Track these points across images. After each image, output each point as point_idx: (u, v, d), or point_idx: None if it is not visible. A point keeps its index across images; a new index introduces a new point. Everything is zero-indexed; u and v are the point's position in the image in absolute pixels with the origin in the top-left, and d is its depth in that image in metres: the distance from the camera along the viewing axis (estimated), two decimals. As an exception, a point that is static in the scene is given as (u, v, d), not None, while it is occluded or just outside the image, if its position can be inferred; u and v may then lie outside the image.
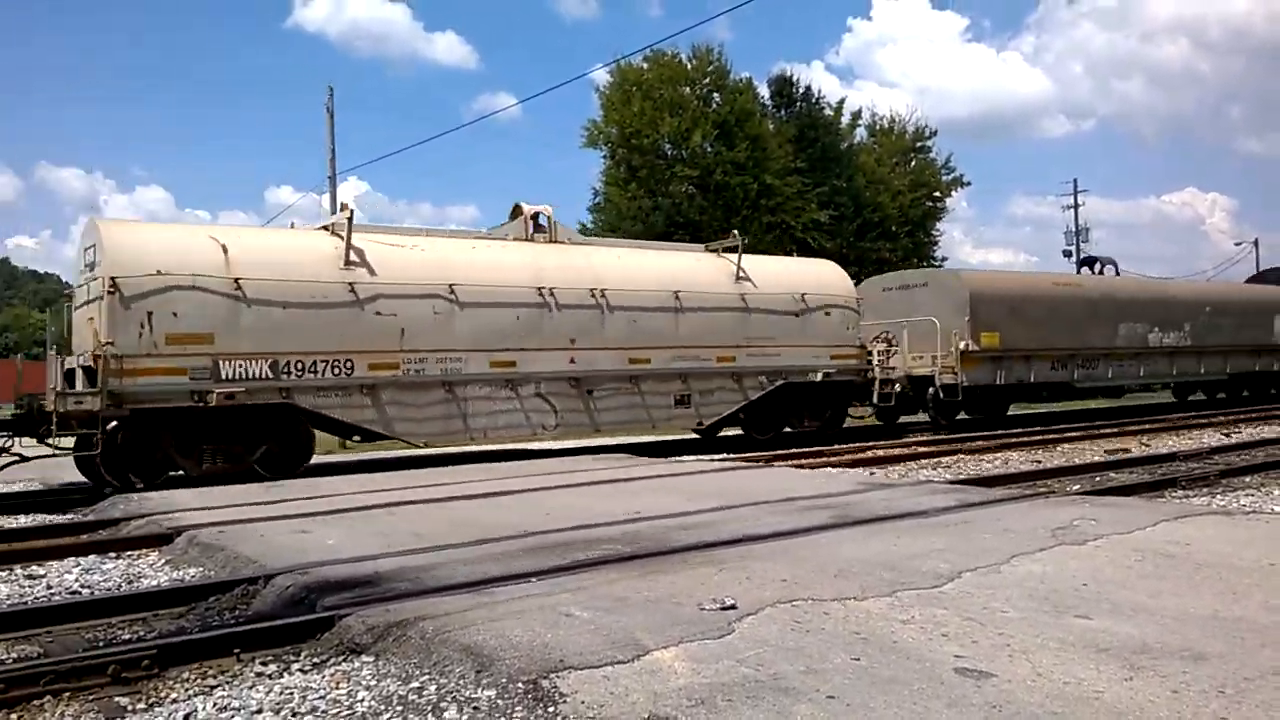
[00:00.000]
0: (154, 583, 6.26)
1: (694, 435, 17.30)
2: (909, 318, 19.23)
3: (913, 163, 42.95)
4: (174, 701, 3.85)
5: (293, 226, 15.05)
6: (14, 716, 3.75)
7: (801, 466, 12.53)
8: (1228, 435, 16.82)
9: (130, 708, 3.81)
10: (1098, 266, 26.44)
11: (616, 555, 5.87)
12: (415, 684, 3.76)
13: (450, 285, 13.31)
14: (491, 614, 4.43)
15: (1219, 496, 9.57)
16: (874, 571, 5.19)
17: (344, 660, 4.18)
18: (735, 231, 16.06)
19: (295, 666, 4.18)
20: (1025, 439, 16.02)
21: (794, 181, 35.66)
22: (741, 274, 16.17)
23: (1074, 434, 16.70)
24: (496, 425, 13.57)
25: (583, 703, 3.29)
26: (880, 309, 20.07)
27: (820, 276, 17.57)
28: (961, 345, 18.72)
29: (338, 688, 3.84)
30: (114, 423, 11.00)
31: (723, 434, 17.23)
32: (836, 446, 15.47)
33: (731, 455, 14.62)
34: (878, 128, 43.43)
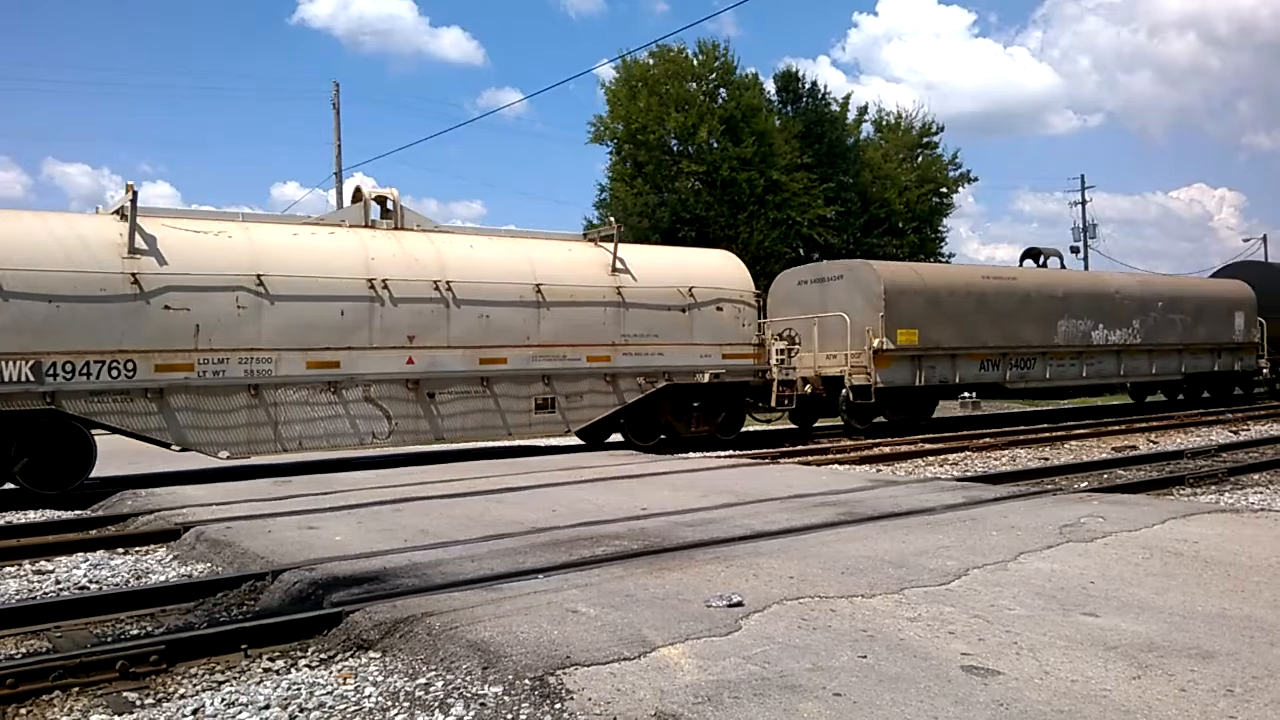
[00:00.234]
0: (162, 578, 6.28)
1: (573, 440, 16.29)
2: (824, 313, 17.99)
3: (919, 158, 42.89)
4: (182, 697, 3.87)
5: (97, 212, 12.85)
6: (23, 711, 3.77)
7: (808, 463, 12.52)
8: (1235, 433, 16.77)
9: (139, 703, 3.82)
10: (1042, 259, 24.49)
11: (623, 551, 5.87)
12: (422, 680, 3.77)
13: (259, 276, 11.77)
14: (499, 610, 4.44)
15: (1227, 494, 9.54)
16: (881, 569, 5.19)
17: (351, 656, 4.20)
18: (612, 219, 14.38)
19: (303, 662, 4.19)
20: (1032, 436, 15.98)
21: (800, 177, 35.61)
22: (619, 265, 14.72)
23: (1081, 431, 16.66)
24: (314, 434, 12.13)
25: (590, 699, 3.30)
26: (797, 303, 18.76)
27: (713, 268, 16.03)
28: (875, 343, 17.11)
29: (345, 683, 3.85)
30: None
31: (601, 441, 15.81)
32: (843, 443, 15.45)
33: (737, 452, 14.61)
34: (884, 123, 43.37)
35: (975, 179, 44.83)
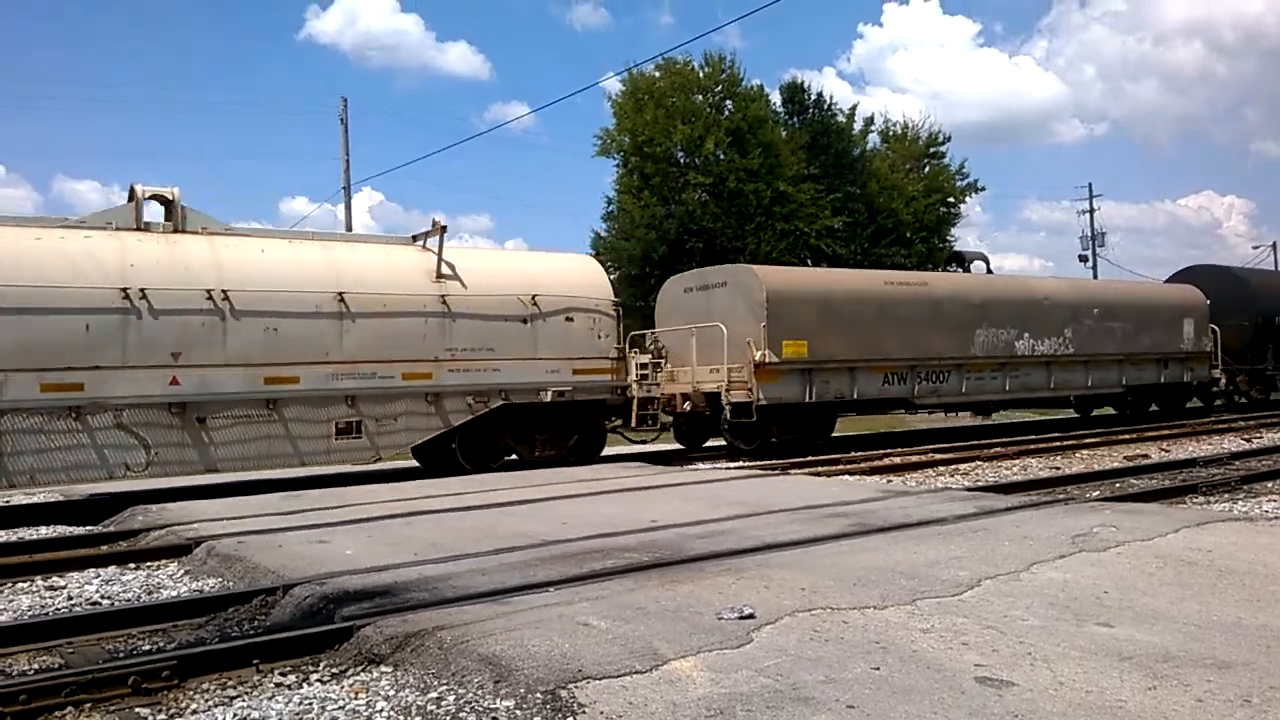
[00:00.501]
0: (173, 593, 6.29)
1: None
2: (706, 323, 16.37)
3: (926, 168, 42.87)
4: (194, 712, 3.87)
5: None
6: (36, 727, 3.77)
7: (818, 474, 12.50)
8: (1249, 440, 16.67)
9: (150, 718, 3.82)
10: (966, 264, 22.86)
11: (634, 564, 5.86)
12: (434, 694, 3.77)
13: None
14: (509, 624, 4.43)
15: (1240, 502, 9.49)
16: (893, 580, 5.17)
17: (362, 670, 4.19)
18: (436, 219, 13.13)
19: (314, 677, 4.19)
20: (1043, 445, 15.92)
21: (807, 188, 35.62)
22: (446, 271, 13.07)
23: (1092, 440, 16.59)
24: (51, 467, 10.43)
25: (601, 713, 3.29)
26: (683, 312, 17.25)
27: (564, 274, 14.36)
28: (757, 356, 15.50)
29: (356, 698, 3.85)
30: None
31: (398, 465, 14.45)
32: (853, 454, 15.41)
33: (748, 463, 14.58)
34: (891, 134, 43.39)
35: (983, 188, 44.91)
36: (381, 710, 3.70)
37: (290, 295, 11.80)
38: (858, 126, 41.23)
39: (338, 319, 12.08)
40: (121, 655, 4.74)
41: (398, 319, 12.56)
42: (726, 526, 7.26)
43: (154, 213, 11.99)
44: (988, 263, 22.94)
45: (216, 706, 3.90)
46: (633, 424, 14.92)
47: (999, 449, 15.27)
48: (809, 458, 15.01)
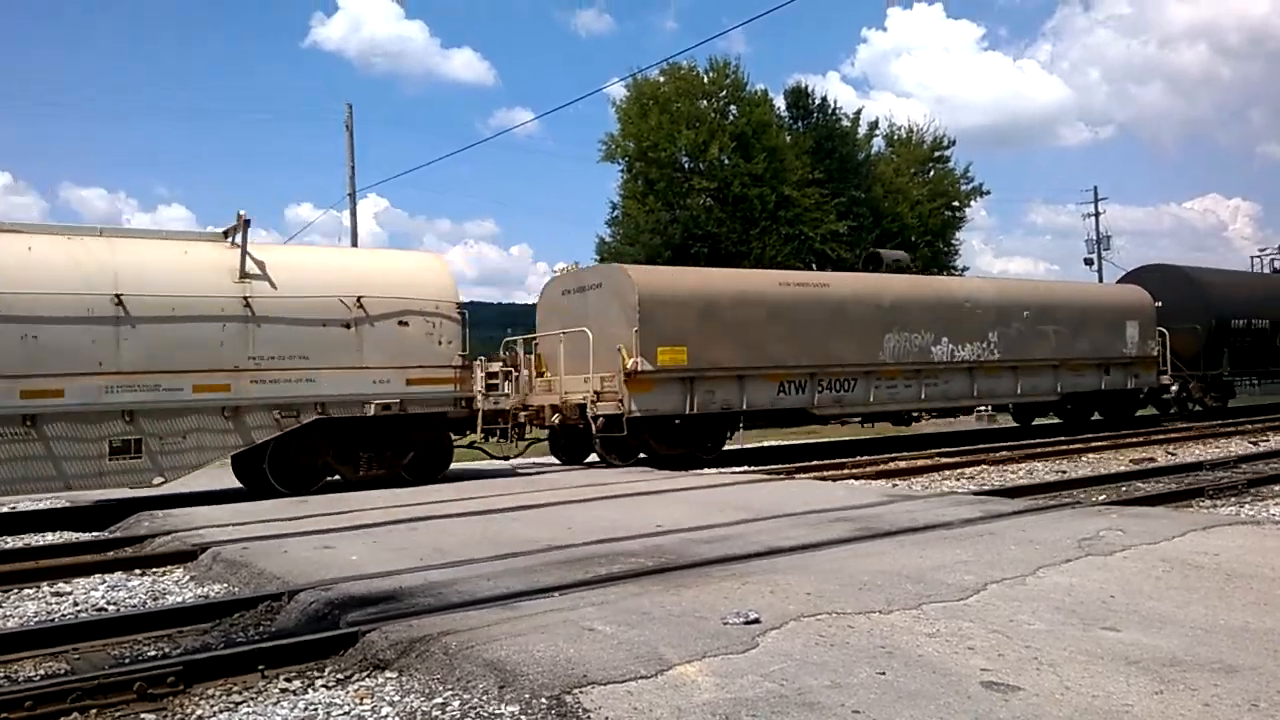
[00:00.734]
0: (179, 599, 6.29)
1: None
2: (581, 328, 15.10)
3: (931, 172, 42.88)
4: (200, 718, 3.87)
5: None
6: (42, 733, 3.78)
7: (823, 478, 12.48)
8: (1255, 444, 16.63)
9: (156, 724, 3.82)
10: (884, 264, 20.88)
11: (639, 569, 5.86)
12: (439, 700, 3.76)
13: None
14: (514, 629, 4.43)
15: (1247, 506, 9.46)
16: (899, 584, 5.16)
17: (368, 676, 4.19)
18: (241, 211, 11.85)
19: (319, 682, 4.19)
20: (1049, 449, 15.88)
21: (812, 193, 35.65)
22: (252, 270, 11.66)
23: (1099, 444, 16.55)
24: None
25: (606, 718, 3.28)
26: (561, 316, 16.09)
27: (397, 274, 12.95)
28: (629, 364, 14.23)
29: (362, 703, 3.85)
30: None
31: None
32: (859, 458, 15.38)
33: (752, 468, 14.57)
34: (895, 138, 43.41)
35: (988, 192, 44.82)
36: (386, 716, 3.70)
37: (55, 298, 10.42)
38: (862, 131, 41.31)
39: (114, 324, 10.71)
40: (127, 661, 4.74)
41: (189, 324, 11.16)
42: (731, 531, 7.25)
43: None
44: (909, 263, 21.44)
45: (222, 712, 3.90)
46: (479, 437, 13.73)
47: (1005, 453, 15.25)
48: (814, 461, 15.02)
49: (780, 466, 14.41)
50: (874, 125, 42.32)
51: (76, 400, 10.44)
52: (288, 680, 4.23)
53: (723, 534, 7.12)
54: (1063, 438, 18.29)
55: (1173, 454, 15.31)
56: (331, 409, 11.93)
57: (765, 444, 20.38)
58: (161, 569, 7.32)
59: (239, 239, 11.82)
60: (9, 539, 9.65)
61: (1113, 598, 4.75)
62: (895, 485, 11.87)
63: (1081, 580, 5.16)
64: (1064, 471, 13.29)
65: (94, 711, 3.91)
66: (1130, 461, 14.22)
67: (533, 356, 15.46)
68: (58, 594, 6.64)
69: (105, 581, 6.94)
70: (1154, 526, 6.78)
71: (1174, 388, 22.66)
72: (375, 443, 12.46)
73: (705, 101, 36.78)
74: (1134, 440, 17.22)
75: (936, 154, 43.32)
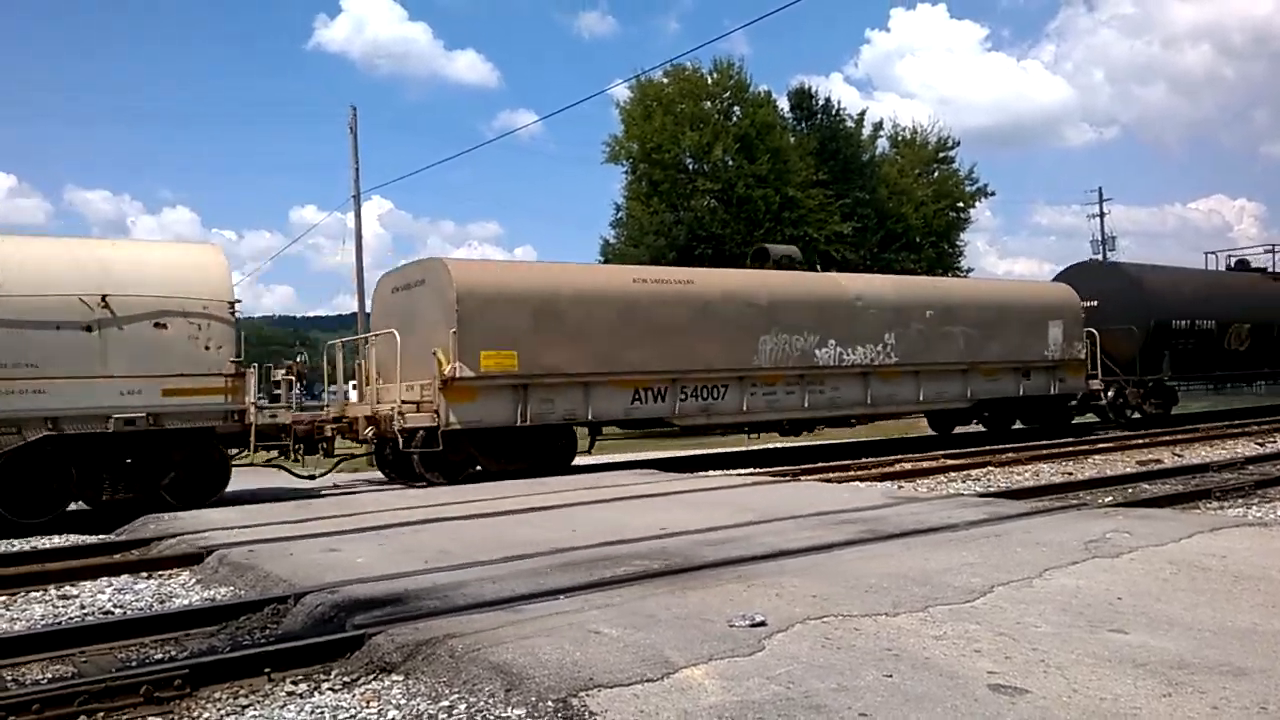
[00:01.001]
0: (185, 602, 6.30)
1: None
2: (404, 329, 13.61)
3: (935, 173, 42.85)
4: (206, 721, 3.87)
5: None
6: (49, 737, 3.78)
7: (829, 480, 12.47)
8: (1262, 445, 16.58)
9: (163, 728, 3.83)
10: (778, 262, 18.72)
11: (645, 571, 5.85)
12: (445, 703, 3.77)
13: None
14: (520, 632, 4.43)
15: (1255, 507, 9.43)
16: (905, 587, 5.15)
17: (374, 679, 4.20)
18: None
19: (326, 685, 4.19)
20: (1056, 451, 15.86)
21: (816, 194, 35.62)
22: None
23: (1105, 445, 16.52)
24: None
25: (613, 721, 3.28)
26: (393, 316, 14.53)
27: (155, 268, 11.37)
28: (446, 369, 12.83)
29: (368, 706, 3.85)
30: None
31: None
32: (865, 460, 15.36)
33: (758, 470, 14.55)
34: (900, 139, 43.38)
35: (992, 193, 44.79)
36: (393, 719, 3.71)
37: None
38: (866, 132, 41.26)
39: None
40: (134, 664, 4.75)
41: None
42: (737, 533, 7.24)
43: None
44: (799, 260, 19.26)
45: (229, 715, 3.91)
46: (252, 455, 12.26)
47: (1011, 454, 15.22)
48: (819, 464, 15.00)
49: (785, 468, 14.40)
50: (878, 126, 42.32)
51: None
52: (294, 683, 4.23)
53: (728, 536, 7.11)
54: (1068, 440, 18.25)
55: (1179, 455, 15.29)
56: (65, 425, 10.49)
57: (769, 446, 20.36)
58: (168, 572, 7.33)
59: None
60: (16, 542, 9.67)
61: (1120, 600, 4.74)
62: (901, 487, 11.85)
63: (1088, 582, 5.15)
64: (1070, 473, 13.27)
65: (101, 714, 3.92)
66: (1137, 463, 14.20)
67: (362, 363, 13.81)
68: (64, 597, 6.66)
69: (112, 584, 6.95)
70: (1161, 528, 6.76)
71: (1109, 393, 21.17)
72: (126, 462, 10.99)
73: (709, 103, 36.76)
74: (1140, 442, 17.17)
75: (941, 155, 43.30)
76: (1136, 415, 22.12)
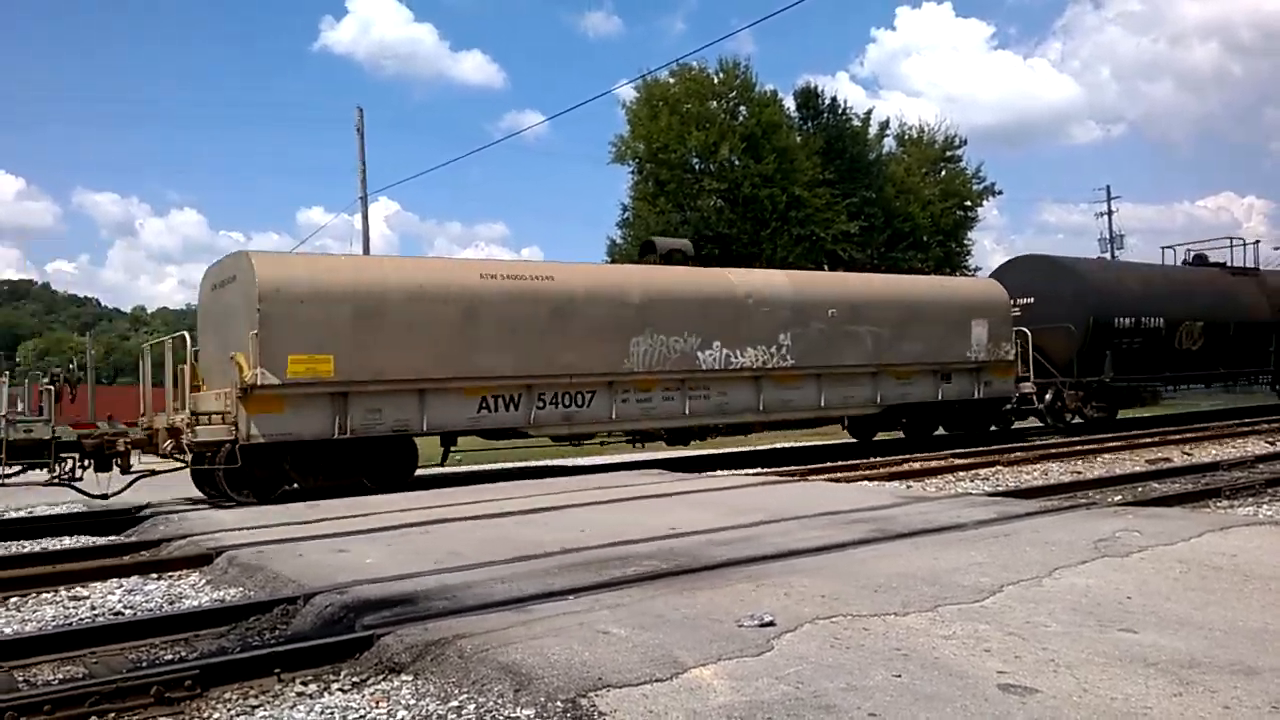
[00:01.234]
0: (195, 603, 6.32)
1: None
2: (217, 331, 12.35)
3: (943, 172, 42.80)
4: (217, 722, 3.89)
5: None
6: (61, 737, 3.80)
7: (837, 480, 12.46)
8: (1273, 443, 16.52)
9: (174, 728, 3.84)
10: (657, 254, 16.97)
11: (653, 572, 5.85)
12: (454, 703, 3.77)
13: None
14: (529, 632, 4.43)
15: (1265, 506, 9.40)
16: (914, 586, 5.14)
17: (383, 679, 4.20)
18: None
19: (335, 686, 4.21)
20: (1064, 450, 15.82)
21: (823, 193, 35.60)
22: None
23: (1114, 444, 16.47)
24: None
25: (622, 721, 3.28)
26: (212, 317, 13.20)
27: None
28: (247, 376, 11.40)
29: (377, 707, 3.86)
30: None
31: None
32: (873, 459, 15.34)
33: (766, 469, 14.54)
34: (906, 138, 43.34)
35: (999, 192, 44.81)
36: (402, 719, 3.71)
37: None
38: (873, 131, 41.23)
39: None
40: (144, 665, 4.76)
41: None
42: (745, 533, 7.24)
43: None
44: (690, 254, 17.41)
45: (239, 716, 3.92)
46: (58, 475, 11.20)
47: (1019, 453, 15.19)
48: (827, 463, 14.98)
49: (794, 468, 14.38)
50: (884, 125, 42.28)
51: None
52: (304, 684, 4.24)
53: (737, 536, 7.11)
54: (1077, 439, 18.18)
55: (1189, 454, 15.24)
56: None
57: (777, 446, 20.35)
58: (178, 573, 7.35)
59: None
60: (26, 543, 9.72)
61: (1130, 599, 4.73)
62: (909, 487, 11.83)
63: (1098, 582, 5.13)
64: (1079, 472, 13.24)
65: (111, 715, 3.93)
66: (1146, 462, 14.16)
67: (186, 367, 12.22)
68: (75, 598, 6.68)
69: (122, 585, 6.97)
70: (1170, 527, 6.74)
71: (1048, 395, 19.89)
72: None
73: (715, 102, 36.78)
74: (1149, 441, 17.13)
75: (948, 153, 43.24)
76: (1077, 420, 20.94)
